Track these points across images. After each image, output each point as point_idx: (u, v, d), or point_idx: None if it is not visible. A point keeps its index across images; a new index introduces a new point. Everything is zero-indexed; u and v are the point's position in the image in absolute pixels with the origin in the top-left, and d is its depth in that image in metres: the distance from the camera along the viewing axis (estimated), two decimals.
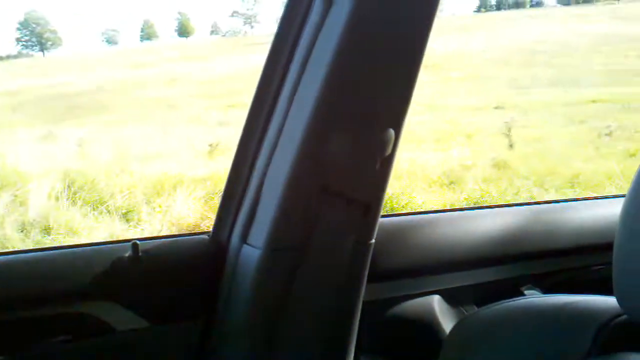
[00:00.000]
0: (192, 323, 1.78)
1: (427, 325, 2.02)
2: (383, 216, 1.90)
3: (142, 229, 6.76)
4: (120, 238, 6.35)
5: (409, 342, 2.03)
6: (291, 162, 1.55)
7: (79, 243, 5.70)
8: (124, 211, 7.15)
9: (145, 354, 1.75)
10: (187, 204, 7.21)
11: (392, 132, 1.58)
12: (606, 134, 12.28)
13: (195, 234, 1.96)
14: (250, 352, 1.71)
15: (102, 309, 1.68)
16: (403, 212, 6.79)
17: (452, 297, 2.10)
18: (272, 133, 1.64)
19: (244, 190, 1.72)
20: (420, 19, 1.51)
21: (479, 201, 7.39)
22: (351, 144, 1.56)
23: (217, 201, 6.82)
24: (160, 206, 7.25)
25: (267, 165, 1.64)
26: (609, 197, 2.57)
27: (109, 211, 7.10)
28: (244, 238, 1.69)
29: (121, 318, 1.69)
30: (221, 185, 7.94)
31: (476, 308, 2.06)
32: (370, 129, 1.58)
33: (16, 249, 5.77)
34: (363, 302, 1.78)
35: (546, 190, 8.07)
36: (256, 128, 1.70)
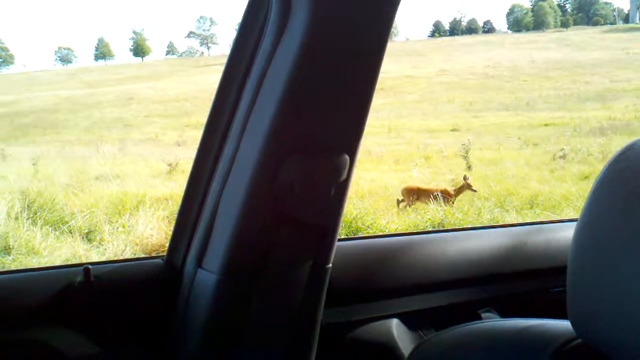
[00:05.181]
0: (145, 349, 1.74)
1: (385, 349, 1.99)
2: (340, 240, 1.90)
3: (105, 249, 6.66)
4: (82, 259, 6.25)
5: None
6: (246, 187, 1.54)
7: (28, 267, 5.55)
8: (85, 231, 7.00)
9: None
10: (151, 223, 7.12)
11: (346, 157, 1.57)
12: (560, 157, 12.64)
13: (149, 258, 1.90)
14: None
15: (52, 335, 1.61)
16: (360, 235, 6.81)
17: (410, 321, 2.08)
18: (226, 157, 1.62)
19: (199, 214, 1.69)
20: (373, 45, 1.52)
21: (442, 221, 7.49)
22: (305, 170, 1.56)
23: None
24: (123, 226, 7.13)
25: (222, 189, 1.62)
26: (564, 221, 2.62)
27: (70, 231, 6.94)
28: (198, 262, 1.65)
29: (72, 344, 1.63)
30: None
31: (434, 331, 2.06)
32: (324, 154, 1.57)
33: None
34: (321, 325, 1.77)
35: (507, 211, 8.20)
36: (210, 152, 1.67)
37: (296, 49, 1.43)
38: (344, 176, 1.58)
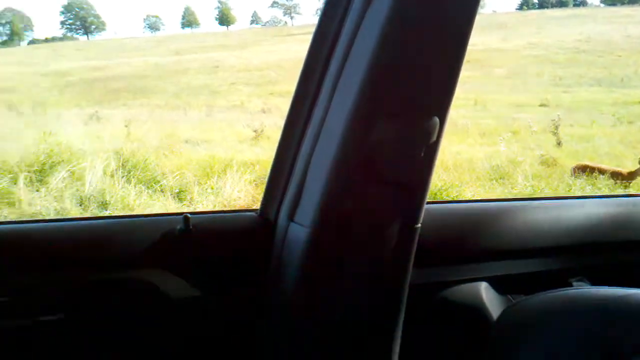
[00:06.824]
0: (241, 296, 1.80)
1: (473, 312, 2.01)
2: (432, 202, 1.91)
3: (195, 208, 6.80)
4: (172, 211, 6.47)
5: (454, 326, 2.03)
6: (336, 147, 1.56)
7: (133, 214, 5.80)
8: (176, 190, 7.23)
9: (196, 321, 1.77)
10: (238, 186, 7.28)
11: (436, 119, 1.58)
12: None
13: (243, 210, 1.97)
14: (295, 328, 1.72)
15: (155, 276, 1.71)
16: (452, 199, 6.76)
17: (499, 285, 2.09)
18: (317, 117, 1.66)
19: (291, 170, 1.74)
20: (464, 5, 1.50)
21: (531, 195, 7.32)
22: (396, 131, 1.56)
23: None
24: (212, 187, 7.31)
25: (313, 147, 1.66)
26: None
27: (162, 190, 7.18)
28: (290, 216, 1.71)
29: (172, 286, 1.72)
30: (268, 170, 7.99)
31: (523, 297, 2.07)
32: (414, 116, 1.57)
33: (75, 216, 5.88)
34: (409, 285, 1.78)
35: (599, 189, 7.93)
36: (302, 110, 1.71)
37: (386, 13, 1.44)
38: (434, 138, 1.58)
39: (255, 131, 11.79)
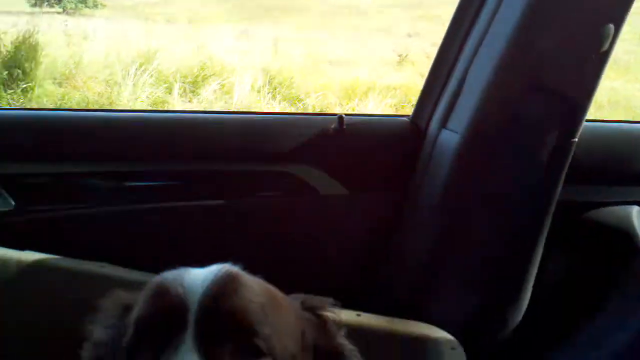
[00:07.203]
0: (387, 196, 1.87)
1: (622, 234, 1.97)
2: (591, 120, 1.85)
3: None
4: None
5: (600, 247, 2.00)
6: (500, 53, 1.54)
7: (291, 112, 5.99)
8: (318, 110, 7.41)
9: (342, 216, 1.88)
10: (378, 109, 7.31)
11: (611, 27, 1.51)
12: None
13: (396, 115, 2.02)
14: (436, 233, 1.76)
15: (307, 172, 1.83)
16: (613, 119, 6.42)
17: None
18: (482, 22, 1.63)
19: (447, 78, 1.75)
20: None
21: None
22: (567, 38, 1.51)
23: (407, 110, 6.83)
24: (352, 109, 7.40)
25: (474, 54, 1.64)
26: None
27: (305, 108, 7.39)
28: (443, 123, 1.73)
29: (323, 182, 1.83)
30: (410, 95, 7.97)
31: None
32: (588, 22, 1.52)
33: (238, 110, 6.21)
34: (557, 201, 1.76)
35: None
36: (466, 15, 1.69)
37: None
38: (606, 47, 1.53)
39: (399, 55, 11.62)
